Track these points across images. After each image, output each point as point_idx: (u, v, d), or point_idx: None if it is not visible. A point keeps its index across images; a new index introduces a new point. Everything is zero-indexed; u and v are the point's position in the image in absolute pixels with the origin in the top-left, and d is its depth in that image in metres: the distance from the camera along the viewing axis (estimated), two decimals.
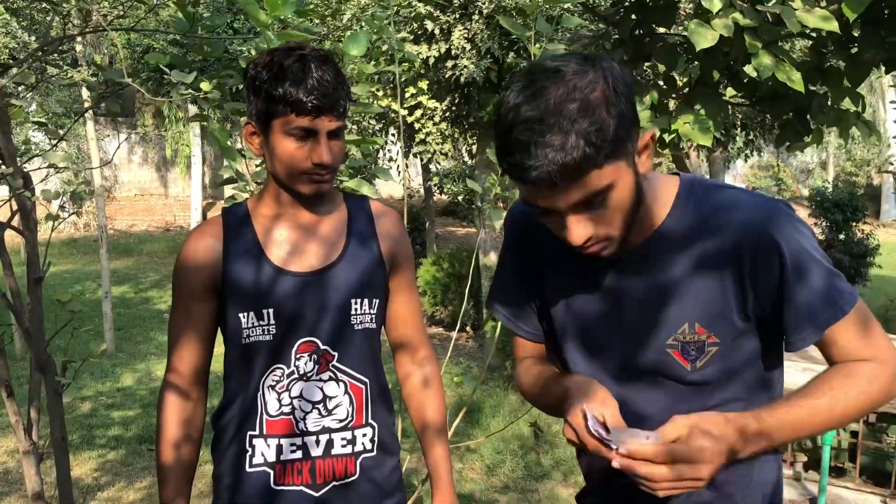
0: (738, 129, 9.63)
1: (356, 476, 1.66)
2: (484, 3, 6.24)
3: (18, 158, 2.14)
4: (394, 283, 1.75)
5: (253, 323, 1.60)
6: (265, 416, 1.62)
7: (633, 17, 3.32)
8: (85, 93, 7.17)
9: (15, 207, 2.10)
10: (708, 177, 11.91)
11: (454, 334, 3.15)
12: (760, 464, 1.34)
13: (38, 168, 2.30)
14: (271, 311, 1.59)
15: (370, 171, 2.80)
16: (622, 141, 1.09)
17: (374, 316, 1.68)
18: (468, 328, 9.02)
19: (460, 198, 14.95)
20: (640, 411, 1.28)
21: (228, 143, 2.42)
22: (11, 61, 2.18)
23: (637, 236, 1.24)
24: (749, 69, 3.06)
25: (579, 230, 1.14)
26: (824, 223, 11.00)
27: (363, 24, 3.24)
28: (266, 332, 1.60)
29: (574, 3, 2.57)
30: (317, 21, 6.75)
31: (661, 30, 3.42)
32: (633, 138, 1.13)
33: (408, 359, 1.81)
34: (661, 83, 3.44)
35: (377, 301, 1.68)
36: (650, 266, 1.26)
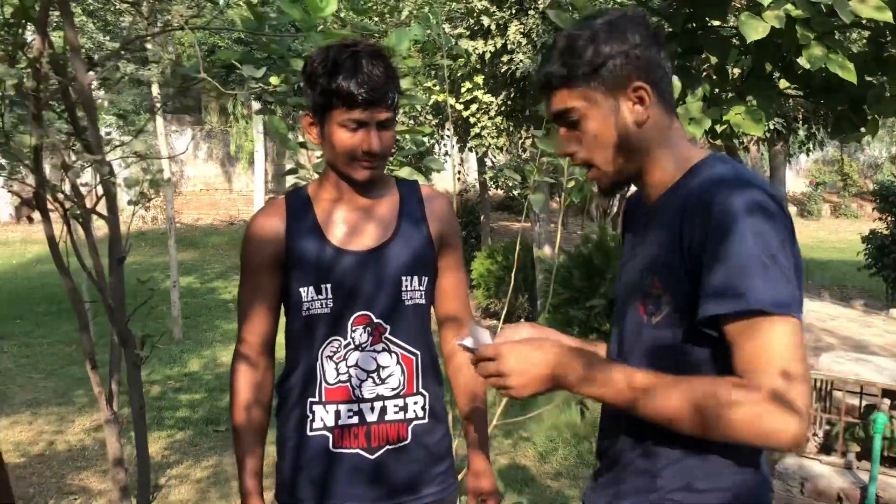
0: (800, 122, 9.44)
1: (408, 441, 1.78)
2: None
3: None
4: (442, 262, 1.87)
5: (312, 297, 1.73)
6: (324, 383, 1.75)
7: (686, 10, 3.36)
8: (155, 90, 7.47)
9: (100, 193, 2.28)
10: (768, 172, 11.69)
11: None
12: (711, 468, 1.27)
13: (116, 159, 2.48)
14: (329, 286, 1.72)
15: (423, 161, 2.92)
16: (597, 76, 1.27)
17: (423, 292, 1.80)
18: (522, 320, 9.09)
19: (516, 192, 14.97)
20: (625, 360, 1.34)
21: (289, 135, 2.57)
22: (88, 60, 2.36)
23: (654, 193, 1.36)
24: (802, 60, 3.08)
25: (562, 143, 1.35)
26: (890, 218, 10.71)
27: (418, 20, 3.36)
28: (324, 306, 1.73)
29: None
30: (375, 19, 6.90)
31: (714, 22, 3.45)
32: (618, 82, 1.28)
33: (453, 334, 1.92)
34: (713, 75, 3.47)
35: (426, 278, 1.80)
36: (653, 222, 1.34)
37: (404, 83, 2.62)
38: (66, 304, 9.50)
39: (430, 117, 8.05)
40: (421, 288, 1.79)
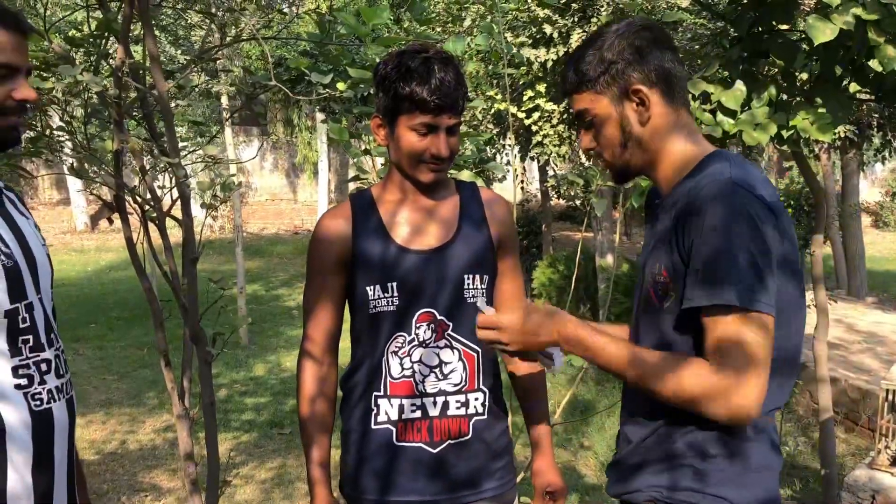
0: (874, 129, 9.15)
1: (469, 436, 1.81)
2: (603, 7, 6.29)
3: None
4: (501, 264, 1.90)
5: (379, 295, 1.78)
6: (389, 378, 1.79)
7: (751, 14, 3.33)
8: (224, 101, 7.71)
9: (175, 196, 2.38)
10: (840, 181, 11.34)
11: None
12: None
13: (191, 164, 2.59)
14: (395, 284, 1.77)
15: (485, 166, 2.96)
16: (601, 81, 1.44)
17: (484, 291, 1.83)
18: None
19: (577, 202, 14.88)
20: (640, 342, 1.50)
21: (352, 142, 2.64)
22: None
23: (664, 186, 1.50)
24: (873, 63, 3.01)
25: (581, 140, 1.54)
26: None
27: (481, 30, 3.40)
28: (390, 304, 1.78)
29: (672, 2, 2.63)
30: (438, 29, 6.98)
31: (781, 26, 3.40)
32: (620, 85, 1.43)
33: None
34: (779, 80, 3.42)
35: (487, 278, 1.84)
36: (663, 215, 1.47)
37: None
38: (138, 310, 9.83)
39: (490, 126, 8.09)
40: (482, 286, 1.83)
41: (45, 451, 1.50)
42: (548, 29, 6.23)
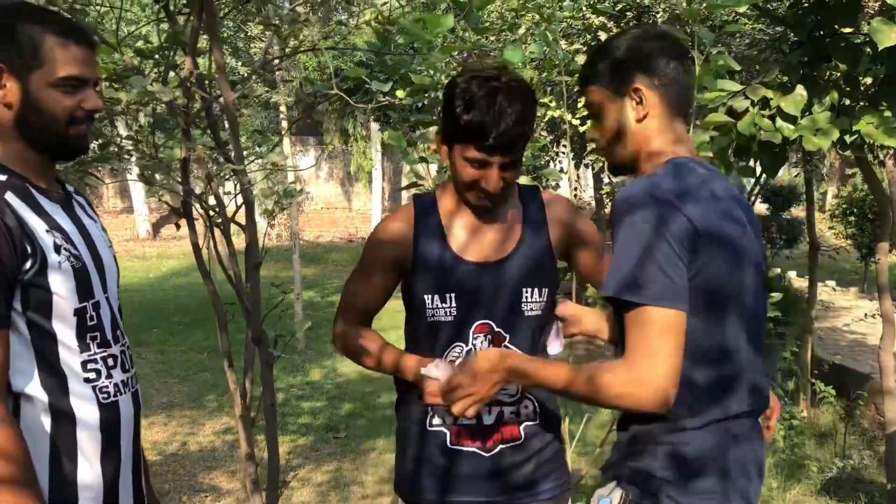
0: None
1: (521, 440, 1.83)
2: (659, 13, 6.24)
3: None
4: (580, 256, 1.92)
5: (437, 304, 1.80)
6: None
7: (812, 17, 3.28)
8: (283, 111, 7.87)
9: (239, 203, 2.46)
10: None
11: None
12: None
13: (255, 171, 2.66)
14: (453, 295, 1.79)
15: (540, 172, 2.97)
16: (608, 77, 1.55)
17: (542, 304, 1.84)
18: None
19: None
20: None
21: (408, 149, 2.68)
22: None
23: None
24: None
25: (591, 130, 1.65)
26: None
27: (535, 38, 3.42)
28: (448, 314, 1.80)
29: (733, 7, 2.61)
30: (492, 38, 7.01)
31: (844, 29, 3.34)
32: (623, 83, 1.54)
33: None
34: (842, 84, 3.35)
35: (546, 290, 1.84)
36: None
37: None
38: (198, 315, 10.07)
39: (545, 133, 8.08)
40: (540, 300, 1.83)
41: (112, 441, 1.58)
42: (602, 36, 6.20)
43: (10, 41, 1.46)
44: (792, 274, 9.97)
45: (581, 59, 6.48)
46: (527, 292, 1.81)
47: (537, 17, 5.34)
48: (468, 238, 1.82)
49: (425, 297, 1.81)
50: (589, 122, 1.66)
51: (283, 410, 6.39)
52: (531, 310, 1.82)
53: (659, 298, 1.36)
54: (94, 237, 1.62)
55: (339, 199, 22.18)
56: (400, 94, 2.38)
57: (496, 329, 1.81)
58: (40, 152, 1.54)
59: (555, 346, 1.89)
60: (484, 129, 1.65)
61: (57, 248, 1.49)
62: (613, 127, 1.57)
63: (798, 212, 13.48)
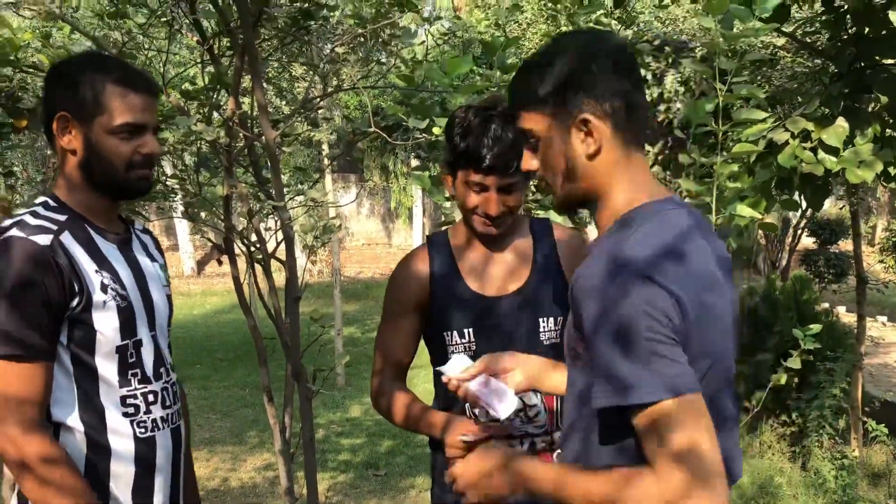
0: None
1: None
2: (697, 46, 6.24)
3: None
4: None
5: (456, 340, 1.83)
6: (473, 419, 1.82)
7: (852, 49, 3.25)
8: (325, 149, 7.99)
9: (279, 239, 2.50)
10: None
11: None
12: None
13: (295, 207, 2.71)
14: (471, 330, 1.82)
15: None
16: (549, 102, 1.28)
17: (560, 332, 1.83)
18: None
19: None
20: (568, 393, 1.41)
21: (436, 188, 2.71)
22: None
23: (599, 228, 1.35)
24: None
25: (525, 159, 1.37)
26: None
27: None
28: (468, 349, 1.82)
29: (760, 36, 2.61)
30: None
31: (886, 60, 3.31)
32: (568, 111, 1.27)
33: None
34: (885, 115, 3.31)
35: (562, 319, 1.84)
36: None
37: None
38: (241, 351, 10.17)
39: None
40: (557, 328, 1.84)
41: (146, 473, 1.62)
42: (641, 71, 6.23)
43: (75, 91, 1.56)
44: (840, 309, 9.75)
45: None
46: (544, 322, 1.83)
47: None
48: (481, 271, 1.85)
49: (444, 334, 1.84)
50: (525, 151, 1.37)
51: (323, 447, 6.39)
52: (549, 339, 1.83)
53: (679, 386, 1.13)
54: (148, 276, 1.69)
55: (379, 235, 22.34)
56: (437, 130, 2.41)
57: None
58: (102, 194, 1.63)
59: (505, 405, 1.56)
60: (479, 152, 1.71)
61: (104, 288, 1.56)
62: (559, 163, 1.31)
63: (846, 245, 13.21)
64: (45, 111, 1.62)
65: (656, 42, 6.21)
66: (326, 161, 7.16)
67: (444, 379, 1.59)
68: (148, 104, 1.61)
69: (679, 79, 6.32)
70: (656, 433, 1.12)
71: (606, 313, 1.15)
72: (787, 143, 3.24)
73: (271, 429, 2.71)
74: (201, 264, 19.62)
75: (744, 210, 2.68)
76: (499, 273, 1.85)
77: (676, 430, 1.11)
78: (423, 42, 2.61)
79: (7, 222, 1.56)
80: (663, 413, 1.12)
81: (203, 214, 2.58)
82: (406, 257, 1.94)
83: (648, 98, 6.37)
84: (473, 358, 1.78)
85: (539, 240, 1.91)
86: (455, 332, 1.82)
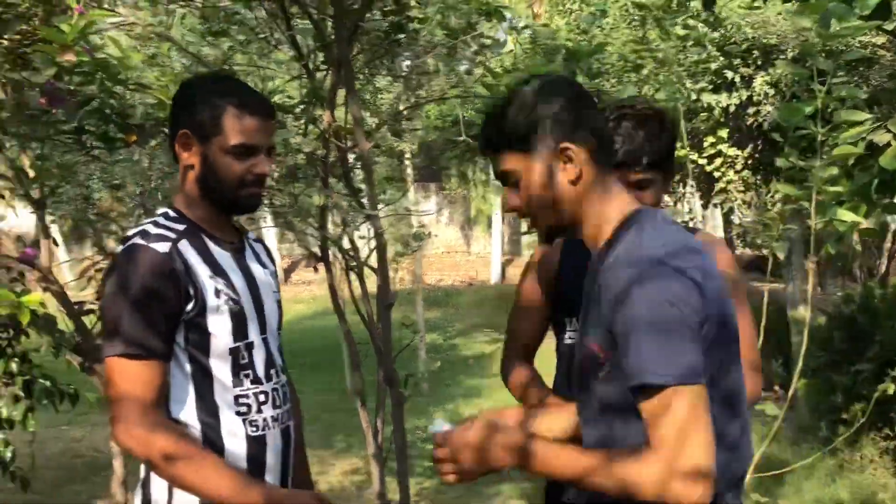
0: None
1: None
2: (788, 48, 6.06)
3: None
4: None
5: (576, 327, 1.84)
6: None
7: None
8: (408, 159, 8.12)
9: (371, 247, 2.56)
10: None
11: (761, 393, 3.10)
12: None
13: (387, 216, 2.77)
14: (576, 318, 1.84)
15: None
16: (528, 141, 1.38)
17: None
18: (775, 387, 8.49)
19: (765, 251, 14.12)
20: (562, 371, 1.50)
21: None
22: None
23: (591, 246, 1.45)
24: None
25: (508, 199, 1.44)
26: None
27: (660, 82, 3.41)
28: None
29: (859, 35, 2.53)
30: (612, 81, 7.00)
31: None
32: (548, 144, 1.37)
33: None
34: None
35: None
36: (591, 284, 1.43)
37: None
38: (326, 358, 10.36)
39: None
40: None
41: (257, 471, 1.69)
42: (729, 74, 6.09)
43: (198, 110, 1.67)
44: None
45: (707, 98, 6.38)
46: None
47: (651, 63, 5.31)
48: None
49: (565, 319, 1.93)
50: (506, 191, 1.46)
51: (409, 452, 6.44)
52: None
53: (687, 377, 1.23)
54: (259, 283, 1.78)
55: (459, 242, 22.45)
56: None
57: None
58: (216, 208, 1.73)
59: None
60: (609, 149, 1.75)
61: (217, 293, 1.65)
62: (545, 195, 1.40)
63: None
64: (171, 127, 1.73)
65: (745, 45, 6.07)
66: (409, 171, 7.27)
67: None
68: (263, 127, 1.70)
69: (768, 81, 6.15)
70: (660, 417, 1.23)
71: (640, 306, 1.25)
72: (888, 144, 3.11)
73: (360, 433, 2.77)
74: (288, 272, 20.11)
75: (844, 215, 2.59)
76: None
77: (679, 418, 1.22)
78: (512, 50, 2.63)
79: (131, 231, 1.68)
80: (669, 399, 1.22)
81: (298, 223, 2.66)
82: (541, 245, 2.03)
83: (737, 101, 6.23)
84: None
85: None
86: (576, 319, 1.86)
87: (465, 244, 22.54)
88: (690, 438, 1.22)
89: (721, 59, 6.01)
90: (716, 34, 5.75)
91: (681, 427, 1.22)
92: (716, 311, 1.30)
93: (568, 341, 1.88)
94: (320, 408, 8.07)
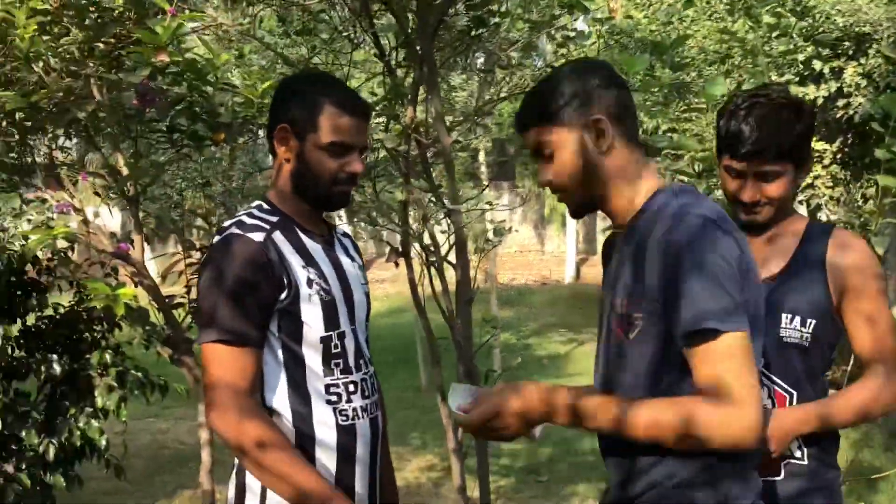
0: None
1: (780, 478, 1.75)
2: (882, 37, 5.80)
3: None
4: (852, 312, 1.76)
5: None
6: None
7: None
8: (482, 157, 8.12)
9: (451, 242, 2.56)
10: None
11: None
12: None
13: (468, 210, 2.77)
14: None
15: None
16: (562, 114, 1.45)
17: (806, 335, 1.74)
18: None
19: None
20: (600, 367, 1.53)
21: None
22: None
23: (619, 219, 1.50)
24: None
25: (540, 173, 1.53)
26: None
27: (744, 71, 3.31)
28: None
29: None
30: (693, 74, 6.84)
31: None
32: (580, 117, 1.44)
33: (872, 378, 1.76)
34: None
35: (813, 322, 1.74)
36: (623, 251, 1.47)
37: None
38: (400, 355, 10.46)
39: None
40: (803, 330, 1.74)
41: (347, 460, 1.71)
42: (817, 65, 5.86)
43: (296, 107, 1.71)
44: None
45: (794, 90, 6.15)
46: (787, 318, 1.75)
47: (741, 51, 5.15)
48: None
49: None
50: (540, 166, 1.52)
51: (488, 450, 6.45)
52: (789, 337, 1.75)
53: (736, 322, 1.30)
54: (349, 275, 1.80)
55: (532, 242, 22.32)
56: None
57: None
58: (307, 203, 1.76)
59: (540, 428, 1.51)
60: (737, 136, 1.70)
61: (309, 282, 1.68)
62: (576, 166, 1.47)
63: None
64: (269, 121, 1.78)
65: (834, 34, 5.83)
66: (484, 168, 7.27)
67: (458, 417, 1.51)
68: (358, 127, 1.73)
69: (860, 72, 5.90)
70: (718, 362, 1.29)
71: (695, 257, 1.32)
72: None
73: (435, 430, 2.78)
74: (389, 256, 20.33)
75: None
76: (755, 257, 1.81)
77: (737, 362, 1.29)
78: (594, 43, 2.59)
79: (227, 222, 1.73)
80: (726, 344, 1.29)
81: (378, 219, 2.68)
82: None
83: (826, 93, 5.99)
84: None
85: (810, 240, 1.80)
86: None
87: (539, 243, 22.40)
88: (746, 381, 1.29)
89: (809, 49, 5.80)
90: (804, 23, 5.55)
91: (738, 370, 1.29)
92: (748, 275, 1.37)
93: None
94: (395, 404, 8.14)
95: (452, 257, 2.60)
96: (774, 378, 1.74)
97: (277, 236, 1.67)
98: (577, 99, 1.45)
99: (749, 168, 1.70)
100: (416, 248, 2.62)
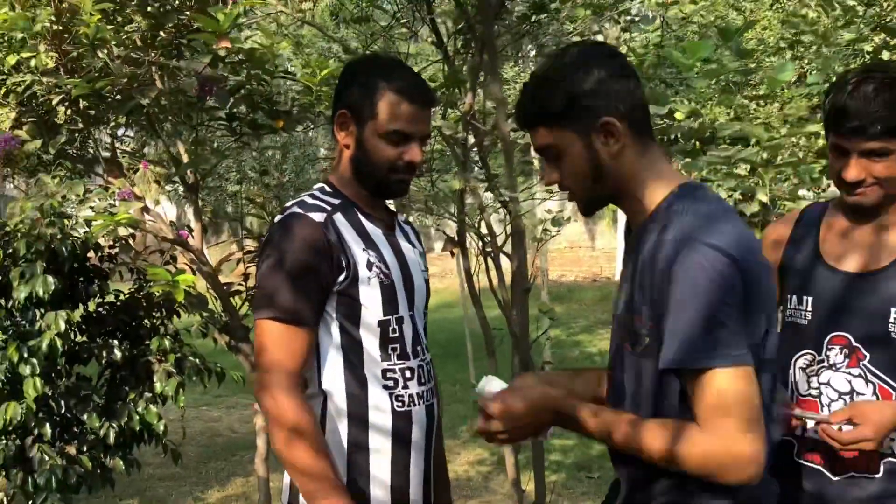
0: None
1: (878, 476, 1.67)
2: None
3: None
4: None
5: (795, 305, 1.77)
6: (796, 392, 1.75)
7: None
8: (532, 150, 8.06)
9: (509, 232, 2.53)
10: None
11: None
12: None
13: (525, 201, 2.73)
14: (811, 299, 1.74)
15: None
16: (568, 114, 1.35)
17: None
18: None
19: None
20: (618, 386, 1.47)
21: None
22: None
23: (633, 220, 1.45)
24: None
25: (546, 172, 1.47)
26: None
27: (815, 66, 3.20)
28: (803, 317, 1.75)
29: None
30: (752, 65, 6.68)
31: None
32: (588, 118, 1.35)
33: None
34: None
35: None
36: (632, 259, 1.42)
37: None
38: (449, 349, 10.44)
39: (824, 161, 7.52)
40: None
41: (402, 446, 1.69)
42: (885, 56, 5.66)
43: (358, 92, 1.69)
44: None
45: None
46: (894, 313, 1.67)
47: (811, 37, 4.99)
48: (840, 245, 1.76)
49: (788, 296, 1.80)
50: (546, 166, 1.46)
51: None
52: None
53: (737, 356, 1.25)
54: (409, 261, 1.79)
55: (582, 237, 22.11)
56: (679, 115, 2.33)
57: (854, 344, 1.69)
58: (365, 189, 1.75)
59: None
60: (843, 113, 1.63)
61: (369, 265, 1.67)
62: (585, 169, 1.39)
63: None
64: (333, 105, 1.77)
65: None
66: (536, 162, 7.20)
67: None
68: (420, 115, 1.70)
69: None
70: (711, 397, 1.25)
71: (687, 286, 1.26)
72: None
73: None
74: (445, 245, 20.39)
75: None
76: (859, 249, 1.73)
77: (731, 397, 1.25)
78: (659, 28, 2.54)
79: (290, 203, 1.72)
80: (723, 379, 1.25)
81: (434, 207, 2.66)
82: (779, 219, 1.96)
83: None
84: (808, 329, 1.74)
85: None
86: (795, 297, 1.78)
87: (589, 239, 22.19)
88: (739, 419, 1.25)
89: (876, 39, 5.60)
90: (871, 11, 5.36)
91: (727, 407, 1.25)
92: (755, 286, 1.31)
93: (790, 319, 1.79)
94: (444, 399, 8.12)
95: (507, 248, 2.57)
96: (880, 374, 1.67)
97: (338, 218, 1.67)
98: (585, 97, 1.36)
99: (854, 145, 1.62)
100: (471, 238, 2.59)
